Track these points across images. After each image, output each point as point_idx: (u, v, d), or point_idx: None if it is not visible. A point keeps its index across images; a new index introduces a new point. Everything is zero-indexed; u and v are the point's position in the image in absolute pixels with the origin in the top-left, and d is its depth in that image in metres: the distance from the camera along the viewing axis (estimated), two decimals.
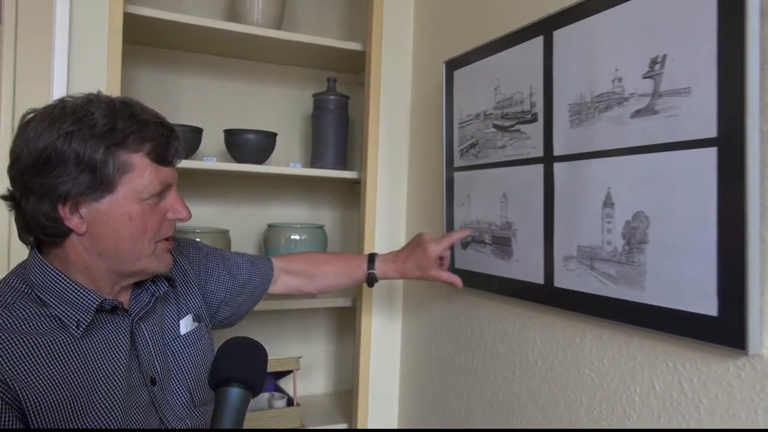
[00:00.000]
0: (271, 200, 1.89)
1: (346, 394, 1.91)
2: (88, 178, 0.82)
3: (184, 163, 1.50)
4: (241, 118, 1.79)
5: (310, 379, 1.95)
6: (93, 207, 0.85)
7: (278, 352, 1.88)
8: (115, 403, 0.86)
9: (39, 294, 0.86)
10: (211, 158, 1.58)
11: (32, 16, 1.35)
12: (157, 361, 0.95)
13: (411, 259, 1.28)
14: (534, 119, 1.12)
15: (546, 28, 1.08)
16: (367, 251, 1.65)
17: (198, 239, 1.43)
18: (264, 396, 1.73)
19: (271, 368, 1.70)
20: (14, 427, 0.76)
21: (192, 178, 1.75)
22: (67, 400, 0.82)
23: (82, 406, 0.83)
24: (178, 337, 1.00)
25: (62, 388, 0.82)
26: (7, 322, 0.81)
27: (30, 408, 0.78)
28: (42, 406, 0.79)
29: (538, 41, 1.10)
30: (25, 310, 0.84)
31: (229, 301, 1.16)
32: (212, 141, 1.70)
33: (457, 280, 1.27)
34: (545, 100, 1.09)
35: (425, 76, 1.64)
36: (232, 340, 0.77)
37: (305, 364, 1.90)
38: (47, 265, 0.87)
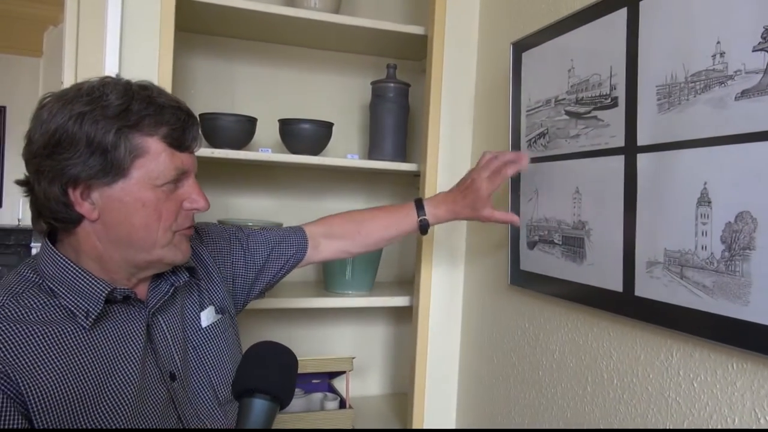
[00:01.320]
0: (328, 193, 1.82)
1: (402, 396, 1.83)
2: (99, 161, 0.79)
3: (238, 154, 1.48)
4: (296, 107, 1.73)
5: (366, 380, 1.88)
6: (105, 192, 0.81)
7: (333, 351, 1.82)
8: (126, 398, 0.82)
9: (49, 284, 0.82)
10: (266, 149, 1.53)
11: (87, 8, 1.34)
12: (177, 355, 0.91)
13: (463, 198, 1.19)
14: (614, 104, 0.98)
15: None
16: (425, 249, 1.56)
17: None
18: (317, 396, 1.67)
19: (324, 368, 1.64)
20: (15, 420, 0.72)
21: (246, 169, 1.71)
22: (74, 393, 0.77)
23: (90, 400, 0.79)
24: (200, 329, 0.96)
25: (69, 381, 0.77)
26: (12, 312, 0.78)
27: (33, 401, 0.74)
28: (47, 399, 0.75)
29: (621, 14, 0.96)
30: (33, 300, 0.80)
31: (260, 280, 1.12)
32: (267, 131, 1.65)
33: (515, 218, 1.22)
34: (628, 82, 0.95)
35: (491, 61, 1.52)
36: (258, 346, 0.69)
37: (361, 363, 1.83)
38: (57, 254, 0.84)
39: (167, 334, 0.91)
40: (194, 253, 1.01)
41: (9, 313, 0.77)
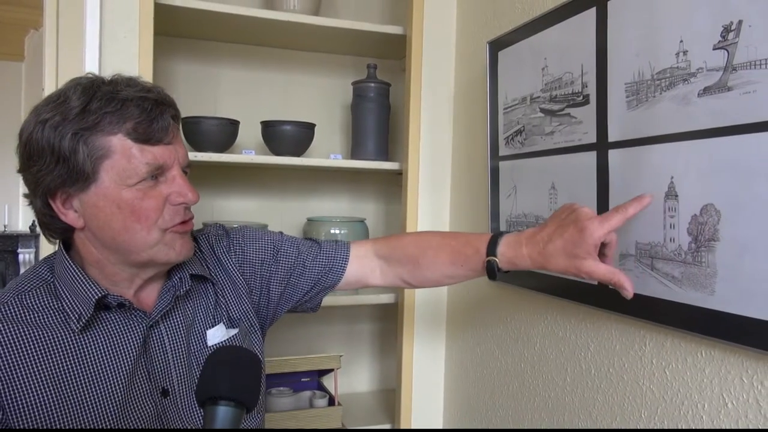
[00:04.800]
0: (312, 193, 1.84)
1: (390, 392, 1.85)
2: (64, 169, 0.77)
3: (221, 157, 1.49)
4: (279, 108, 1.74)
5: (354, 377, 1.90)
6: (83, 199, 0.80)
7: (321, 349, 1.84)
8: (108, 409, 0.81)
9: (57, 284, 0.83)
10: (249, 151, 1.54)
11: (67, 13, 1.35)
12: (175, 370, 0.88)
13: (556, 241, 0.84)
14: (586, 102, 1.01)
15: None
16: None
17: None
18: (306, 394, 1.69)
19: (312, 366, 1.66)
20: None
21: (230, 171, 1.73)
22: (53, 399, 0.78)
23: (70, 407, 0.79)
24: (205, 347, 0.92)
25: (50, 386, 0.78)
26: (11, 311, 0.80)
27: (8, 401, 0.76)
28: (22, 401, 0.76)
29: (590, 14, 0.98)
30: (36, 301, 0.82)
31: (285, 301, 1.04)
32: (250, 133, 1.66)
33: (627, 282, 0.80)
34: (598, 80, 0.97)
35: (468, 59, 1.54)
36: (219, 352, 0.69)
37: (349, 360, 1.85)
38: (64, 256, 0.85)
39: (167, 347, 0.88)
40: (217, 261, 0.98)
41: (8, 313, 0.79)
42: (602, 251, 0.85)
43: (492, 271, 0.91)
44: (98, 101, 0.77)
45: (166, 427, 0.87)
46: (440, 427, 1.66)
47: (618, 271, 0.81)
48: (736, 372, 0.78)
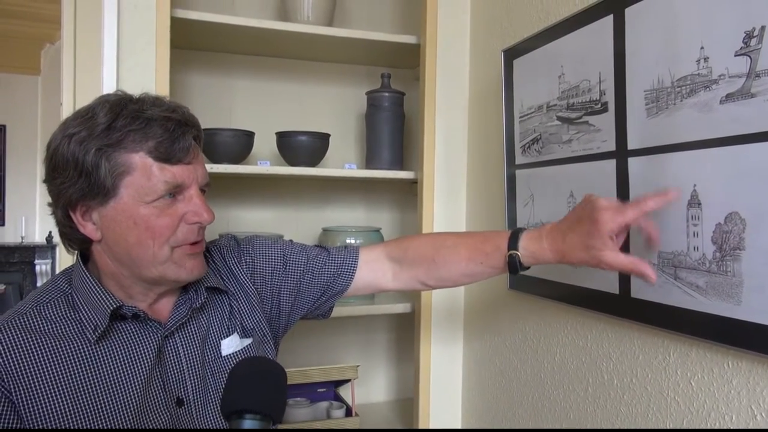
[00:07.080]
0: (327, 203, 1.84)
1: (407, 401, 1.84)
2: (86, 182, 0.79)
3: (237, 168, 1.49)
4: (293, 119, 1.75)
5: (371, 386, 1.89)
6: (102, 212, 0.82)
7: (338, 359, 1.83)
8: (123, 418, 0.82)
9: (74, 295, 0.85)
10: (264, 162, 1.54)
11: (84, 28, 1.37)
12: (190, 380, 0.89)
13: (573, 234, 0.85)
14: (604, 109, 1.00)
15: (616, 5, 0.96)
16: None
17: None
18: (323, 405, 1.69)
19: (329, 377, 1.66)
20: (7, 416, 0.76)
21: (245, 182, 1.73)
22: (69, 408, 0.79)
23: (86, 416, 0.80)
24: (219, 357, 0.92)
25: (66, 395, 0.79)
26: (30, 322, 0.81)
27: (26, 410, 0.77)
28: (40, 410, 0.77)
29: (607, 21, 0.98)
30: (54, 312, 0.84)
31: (297, 309, 1.04)
32: (265, 144, 1.67)
33: (648, 270, 0.80)
34: (617, 88, 0.96)
35: (483, 68, 1.54)
36: (243, 364, 0.69)
37: (365, 370, 1.84)
38: (81, 267, 0.86)
39: (182, 357, 0.89)
40: (229, 272, 0.99)
41: (27, 323, 0.81)
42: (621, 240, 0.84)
43: (514, 266, 0.92)
44: (124, 119, 0.79)
45: None
46: None
47: (638, 260, 0.81)
48: (765, 383, 0.76)
